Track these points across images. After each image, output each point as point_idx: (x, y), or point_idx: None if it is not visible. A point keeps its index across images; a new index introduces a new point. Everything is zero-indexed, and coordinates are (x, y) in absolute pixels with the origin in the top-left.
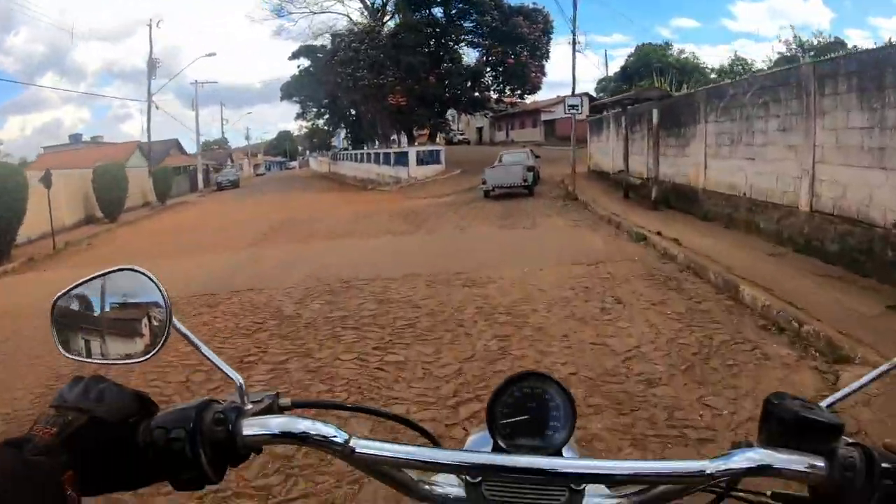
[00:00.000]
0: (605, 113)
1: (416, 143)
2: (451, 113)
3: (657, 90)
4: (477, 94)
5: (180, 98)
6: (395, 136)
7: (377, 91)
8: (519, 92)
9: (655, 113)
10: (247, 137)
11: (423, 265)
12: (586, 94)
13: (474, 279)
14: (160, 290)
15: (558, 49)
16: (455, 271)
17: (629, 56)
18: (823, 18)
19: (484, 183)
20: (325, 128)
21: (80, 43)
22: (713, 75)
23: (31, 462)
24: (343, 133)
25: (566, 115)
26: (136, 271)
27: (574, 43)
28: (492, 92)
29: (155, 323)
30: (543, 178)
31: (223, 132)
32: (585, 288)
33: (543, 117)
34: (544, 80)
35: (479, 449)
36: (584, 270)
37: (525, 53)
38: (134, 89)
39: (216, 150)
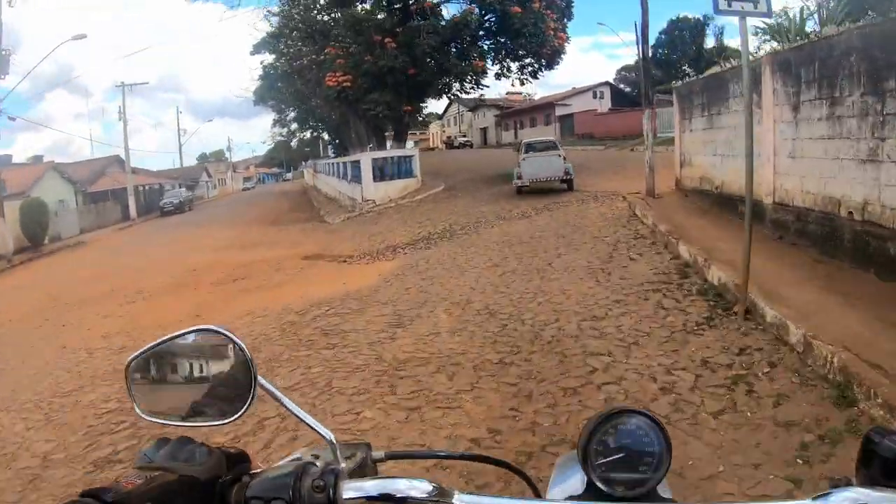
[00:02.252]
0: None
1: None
2: (455, 111)
3: None
4: (465, 63)
5: (188, 111)
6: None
7: (318, 71)
8: (532, 66)
9: None
10: (228, 149)
11: None
12: (607, 82)
13: None
14: (241, 348)
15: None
16: None
17: (660, 34)
18: None
19: (519, 178)
20: (316, 134)
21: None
22: None
23: None
24: (328, 139)
25: (585, 110)
26: (214, 331)
27: None
28: (490, 63)
29: (239, 381)
30: (587, 201)
31: (180, 144)
32: None
33: (558, 111)
34: (553, 70)
35: (569, 482)
36: None
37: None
38: (140, 105)
39: (210, 162)
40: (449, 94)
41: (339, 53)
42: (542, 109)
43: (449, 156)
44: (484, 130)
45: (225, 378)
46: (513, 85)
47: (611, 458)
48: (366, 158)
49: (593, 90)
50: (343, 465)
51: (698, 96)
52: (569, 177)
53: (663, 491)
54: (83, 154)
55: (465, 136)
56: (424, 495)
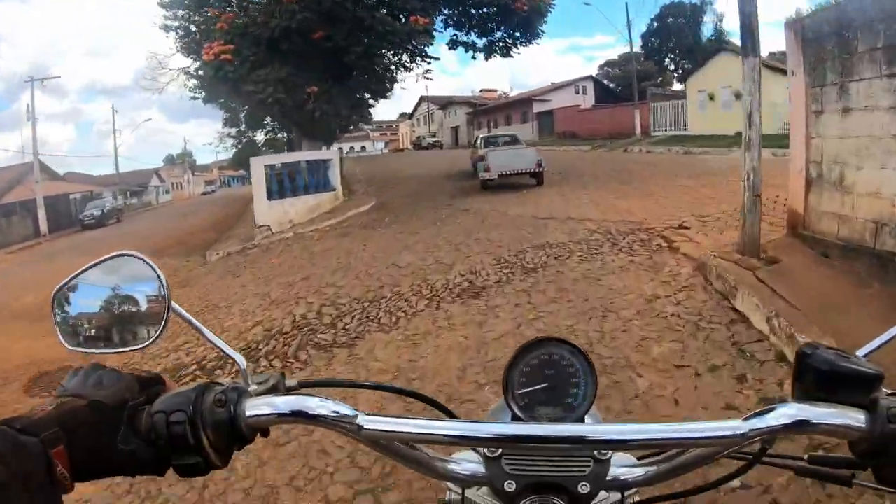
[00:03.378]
0: None
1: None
2: (425, 110)
3: None
4: (398, 21)
5: (166, 111)
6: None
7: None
8: (504, 41)
9: None
10: (184, 150)
11: None
12: (591, 77)
13: None
14: (157, 274)
15: (535, 51)
16: None
17: (651, 20)
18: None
19: (486, 171)
20: (272, 134)
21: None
22: None
23: (19, 438)
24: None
25: (566, 106)
26: (131, 256)
27: None
28: (441, 27)
29: (155, 307)
30: (601, 250)
31: (116, 146)
32: None
33: (536, 108)
34: (533, 46)
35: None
36: None
37: None
38: (117, 103)
39: (177, 164)
40: (380, 69)
41: (218, 16)
42: (519, 106)
43: (409, 158)
44: (455, 129)
45: (142, 303)
46: (474, 57)
47: (533, 388)
48: (256, 165)
49: (575, 85)
50: (252, 387)
51: (869, 33)
52: (541, 169)
53: (592, 418)
54: (67, 156)
55: (434, 135)
56: (332, 413)
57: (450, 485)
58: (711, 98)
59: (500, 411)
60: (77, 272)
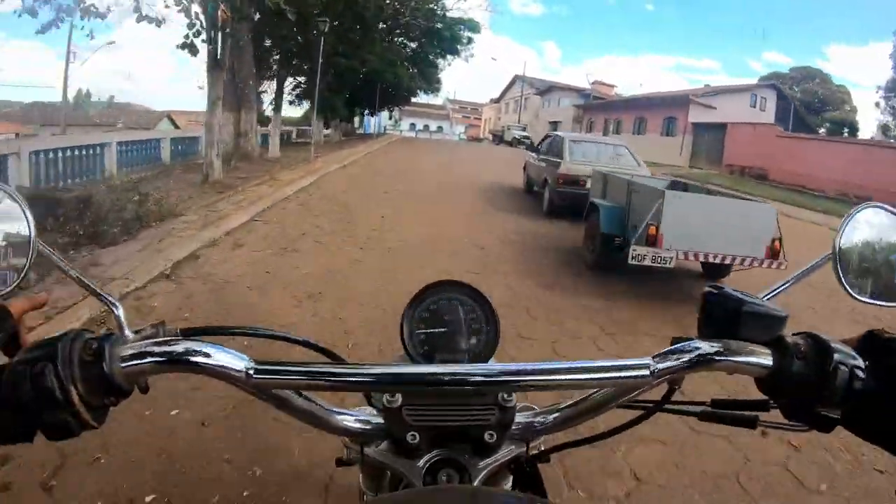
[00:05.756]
0: None
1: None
2: (517, 92)
3: None
4: None
5: None
6: None
7: None
8: None
9: None
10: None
11: None
12: (773, 85)
13: None
14: (23, 209)
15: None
16: None
17: None
18: None
19: (651, 243)
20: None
21: None
22: None
23: None
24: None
25: (758, 123)
26: None
27: None
28: None
29: (19, 247)
30: None
31: (66, 75)
32: None
33: (693, 116)
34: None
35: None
36: None
37: None
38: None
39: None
40: None
41: None
42: (661, 108)
43: (474, 153)
44: (555, 125)
45: (4, 243)
46: None
47: (431, 331)
48: None
49: (752, 92)
50: (129, 335)
51: None
52: (779, 262)
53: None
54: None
55: (524, 129)
56: (217, 360)
57: (348, 441)
58: None
59: (399, 360)
60: None
